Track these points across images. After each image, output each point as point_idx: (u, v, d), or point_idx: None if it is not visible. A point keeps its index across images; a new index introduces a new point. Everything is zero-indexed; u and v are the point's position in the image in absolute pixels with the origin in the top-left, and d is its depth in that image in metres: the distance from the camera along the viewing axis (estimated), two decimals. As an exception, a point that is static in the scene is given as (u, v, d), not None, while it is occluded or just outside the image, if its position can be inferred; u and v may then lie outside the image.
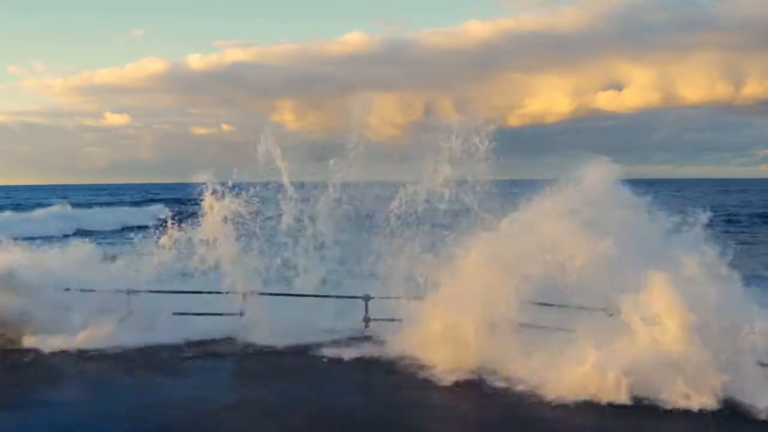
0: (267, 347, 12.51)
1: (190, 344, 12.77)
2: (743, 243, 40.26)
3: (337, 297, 18.11)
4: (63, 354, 11.95)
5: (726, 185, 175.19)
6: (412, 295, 12.55)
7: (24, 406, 9.41)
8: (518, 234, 10.93)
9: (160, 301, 13.75)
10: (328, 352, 11.98)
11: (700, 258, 9.52)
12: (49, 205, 58.45)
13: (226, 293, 13.71)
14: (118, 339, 12.59)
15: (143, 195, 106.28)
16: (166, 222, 14.40)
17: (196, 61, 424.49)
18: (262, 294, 16.37)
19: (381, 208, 14.29)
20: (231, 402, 9.72)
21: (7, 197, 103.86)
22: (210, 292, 20.33)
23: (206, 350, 12.48)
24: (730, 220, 51.26)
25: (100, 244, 21.03)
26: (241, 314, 13.58)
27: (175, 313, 16.27)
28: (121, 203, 78.93)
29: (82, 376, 11.38)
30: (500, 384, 9.80)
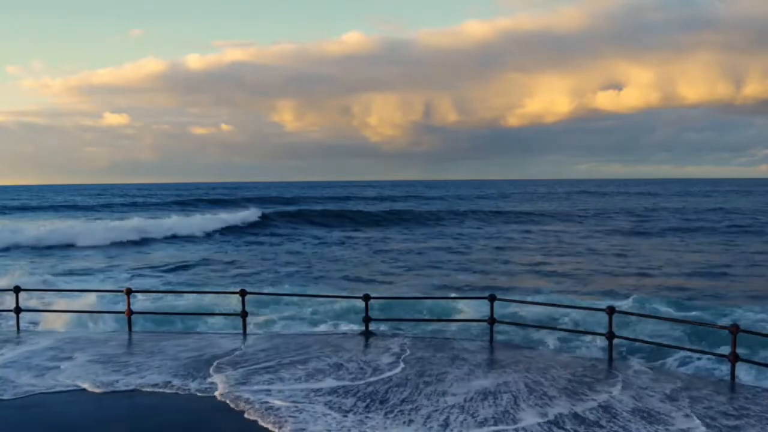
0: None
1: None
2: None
3: (338, 297, 18.27)
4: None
5: (726, 185, 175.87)
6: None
7: None
8: None
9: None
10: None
11: None
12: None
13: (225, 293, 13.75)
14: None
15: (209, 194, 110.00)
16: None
17: (194, 61, 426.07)
18: (260, 294, 16.51)
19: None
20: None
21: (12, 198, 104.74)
22: (210, 292, 20.54)
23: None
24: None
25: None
26: (243, 314, 13.58)
27: (186, 314, 16.43)
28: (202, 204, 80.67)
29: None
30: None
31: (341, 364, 10.76)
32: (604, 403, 8.69)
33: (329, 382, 9.78)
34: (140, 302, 18.97)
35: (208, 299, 19.48)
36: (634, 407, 8.49)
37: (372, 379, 9.95)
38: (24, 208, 78.42)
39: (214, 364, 10.86)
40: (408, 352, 11.57)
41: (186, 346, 12.23)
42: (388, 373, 10.17)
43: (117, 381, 10.04)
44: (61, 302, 19.25)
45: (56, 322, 16.82)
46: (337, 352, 11.62)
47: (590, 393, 9.15)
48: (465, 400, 8.83)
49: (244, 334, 13.47)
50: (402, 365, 10.67)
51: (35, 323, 16.76)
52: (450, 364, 10.76)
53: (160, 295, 20.54)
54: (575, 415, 8.24)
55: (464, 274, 29.08)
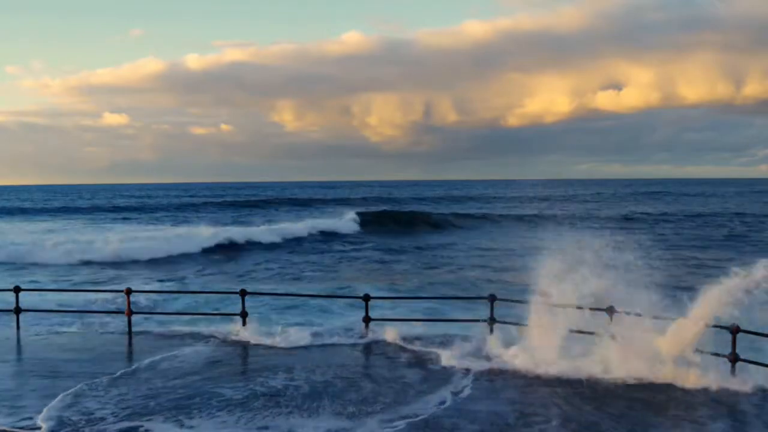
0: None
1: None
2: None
3: (338, 297, 18.28)
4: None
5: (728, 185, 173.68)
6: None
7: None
8: None
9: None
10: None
11: None
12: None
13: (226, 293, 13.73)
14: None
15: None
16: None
17: (194, 60, 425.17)
18: (261, 294, 16.51)
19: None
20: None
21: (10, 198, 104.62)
22: (210, 292, 20.52)
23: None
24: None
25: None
26: (243, 314, 13.58)
27: (186, 313, 16.41)
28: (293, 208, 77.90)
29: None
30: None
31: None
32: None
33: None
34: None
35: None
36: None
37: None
38: (95, 209, 76.23)
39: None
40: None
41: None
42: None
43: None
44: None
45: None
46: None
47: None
48: None
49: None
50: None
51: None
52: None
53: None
54: None
55: None
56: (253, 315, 13.83)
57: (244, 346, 12.66)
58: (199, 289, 22.11)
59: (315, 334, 13.08)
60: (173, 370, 10.88)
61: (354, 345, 12.64)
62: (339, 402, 9.10)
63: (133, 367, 11.15)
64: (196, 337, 13.42)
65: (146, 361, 11.45)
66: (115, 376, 10.53)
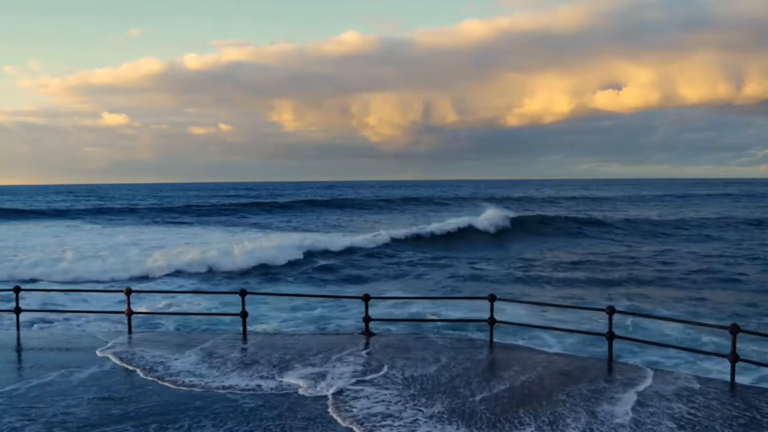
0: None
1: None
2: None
3: (338, 297, 18.30)
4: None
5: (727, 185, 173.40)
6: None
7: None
8: None
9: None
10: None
11: None
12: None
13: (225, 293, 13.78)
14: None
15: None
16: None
17: (192, 60, 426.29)
18: (260, 294, 16.53)
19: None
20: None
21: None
22: (208, 292, 20.57)
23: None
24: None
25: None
26: (243, 315, 13.60)
27: (185, 314, 16.45)
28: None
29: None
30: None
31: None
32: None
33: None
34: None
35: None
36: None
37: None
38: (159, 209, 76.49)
39: None
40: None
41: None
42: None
43: None
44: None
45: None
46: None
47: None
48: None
49: (244, 334, 13.53)
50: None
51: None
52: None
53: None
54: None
55: None
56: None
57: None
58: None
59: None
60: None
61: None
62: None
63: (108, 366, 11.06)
64: (196, 337, 13.44)
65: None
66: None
